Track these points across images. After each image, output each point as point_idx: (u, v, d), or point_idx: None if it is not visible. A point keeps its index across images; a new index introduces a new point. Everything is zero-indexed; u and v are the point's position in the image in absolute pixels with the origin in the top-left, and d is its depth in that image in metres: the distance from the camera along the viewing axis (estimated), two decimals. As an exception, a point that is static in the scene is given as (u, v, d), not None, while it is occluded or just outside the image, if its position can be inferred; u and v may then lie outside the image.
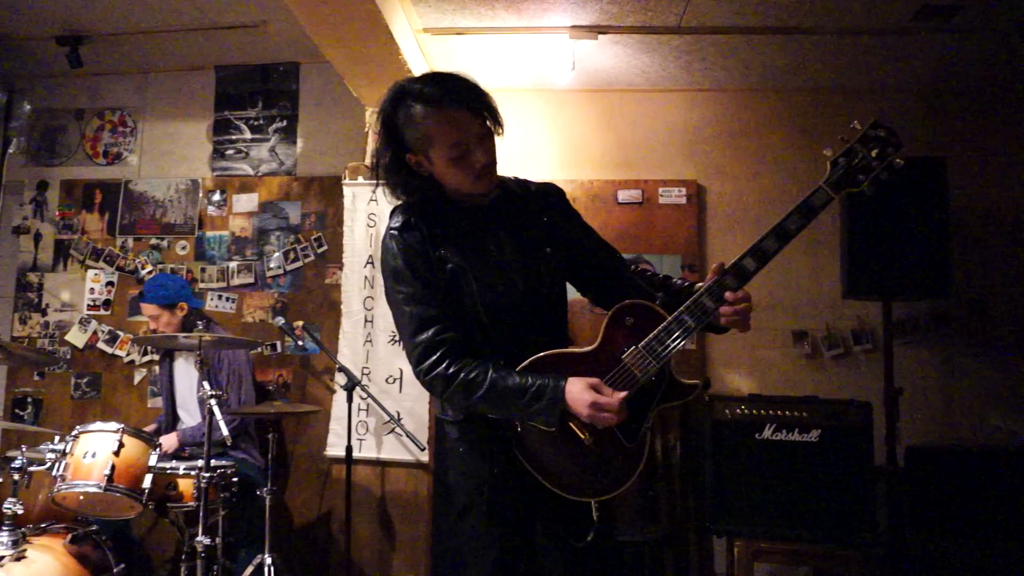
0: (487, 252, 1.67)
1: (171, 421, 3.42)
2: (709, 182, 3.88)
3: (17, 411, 4.02)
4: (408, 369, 2.94)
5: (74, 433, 2.75)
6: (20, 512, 2.53)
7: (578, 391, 1.53)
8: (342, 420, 3.37)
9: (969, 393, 3.63)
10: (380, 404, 3.37)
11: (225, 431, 2.68)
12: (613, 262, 1.85)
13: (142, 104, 4.22)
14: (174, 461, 2.93)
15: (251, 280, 3.97)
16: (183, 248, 4.05)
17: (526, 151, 3.88)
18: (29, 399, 4.03)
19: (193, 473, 2.79)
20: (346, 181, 3.72)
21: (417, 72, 3.20)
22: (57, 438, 2.78)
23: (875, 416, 2.96)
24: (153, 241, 4.07)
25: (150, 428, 3.38)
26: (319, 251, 3.94)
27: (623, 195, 3.87)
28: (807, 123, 3.84)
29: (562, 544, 1.66)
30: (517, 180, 1.81)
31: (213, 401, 2.67)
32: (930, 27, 3.20)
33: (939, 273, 3.15)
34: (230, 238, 4.03)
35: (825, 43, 3.39)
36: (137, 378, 3.97)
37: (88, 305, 4.05)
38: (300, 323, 3.84)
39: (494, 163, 1.63)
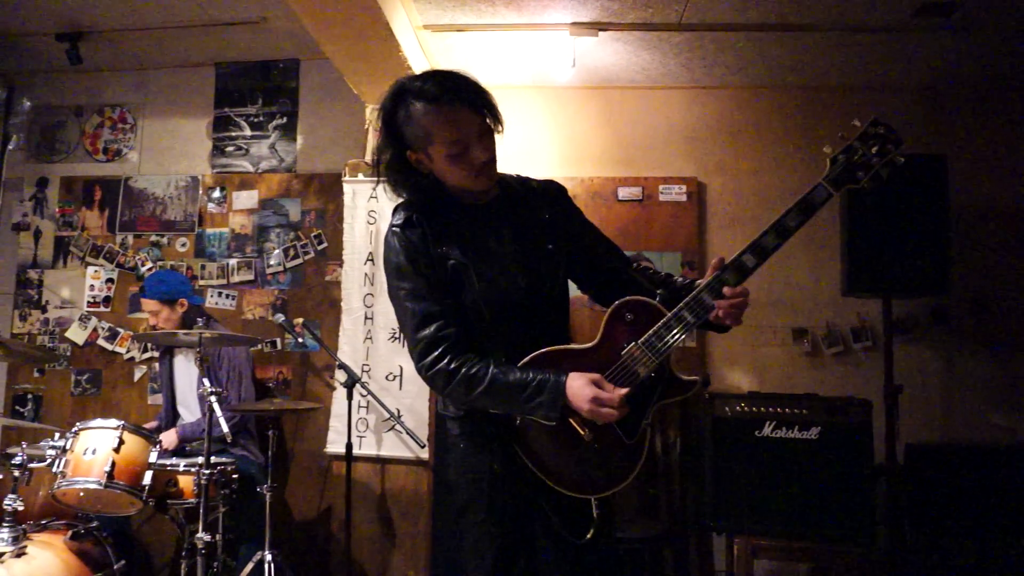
0: (489, 249, 1.67)
1: (171, 418, 3.42)
2: (709, 179, 3.88)
3: (17, 408, 4.02)
4: (408, 366, 2.95)
5: (74, 430, 2.75)
6: (20, 509, 2.53)
7: (579, 386, 1.53)
8: (342, 417, 3.37)
9: (969, 391, 3.63)
10: (380, 401, 3.38)
11: (225, 428, 2.68)
12: (614, 260, 1.85)
13: (142, 101, 4.21)
14: (174, 458, 2.93)
15: (251, 277, 3.97)
16: (183, 245, 4.05)
17: (526, 148, 3.88)
18: (29, 396, 4.03)
19: (193, 470, 2.79)
20: (346, 178, 3.71)
21: (417, 69, 3.19)
22: (57, 435, 2.79)
23: (875, 414, 2.95)
24: (153, 238, 4.07)
25: (150, 425, 3.38)
26: (319, 248, 3.94)
27: (623, 192, 3.87)
28: (807, 120, 3.84)
29: (562, 541, 1.66)
30: (519, 178, 1.81)
31: (213, 398, 2.68)
32: (930, 25, 3.20)
33: (939, 271, 3.15)
34: (230, 235, 4.03)
35: (825, 40, 3.39)
36: (137, 375, 3.97)
37: (88, 302, 4.04)
38: (300, 320, 3.84)
39: (494, 160, 1.63)
